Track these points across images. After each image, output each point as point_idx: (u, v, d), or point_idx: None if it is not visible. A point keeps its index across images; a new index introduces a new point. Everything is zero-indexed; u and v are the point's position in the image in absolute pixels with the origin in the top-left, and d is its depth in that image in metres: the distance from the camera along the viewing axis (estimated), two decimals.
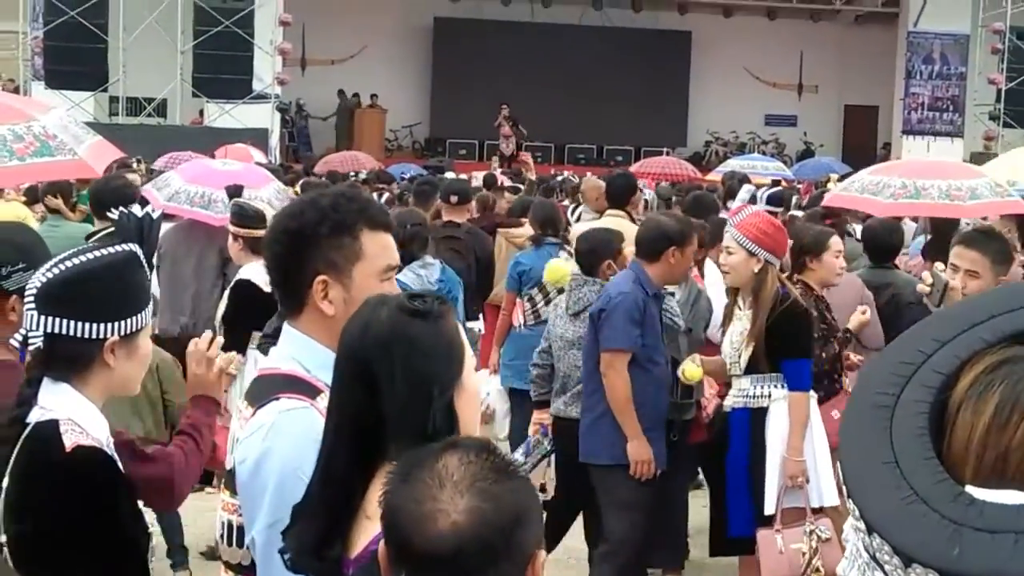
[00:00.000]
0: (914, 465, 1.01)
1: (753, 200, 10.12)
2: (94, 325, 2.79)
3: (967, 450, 1.05)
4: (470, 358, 2.28)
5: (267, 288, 6.96)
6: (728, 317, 5.97)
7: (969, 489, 1.00)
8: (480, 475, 1.68)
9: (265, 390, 2.61)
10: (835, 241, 6.45)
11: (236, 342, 6.72)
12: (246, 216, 6.98)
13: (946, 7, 30.13)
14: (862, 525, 1.02)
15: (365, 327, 2.23)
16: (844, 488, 1.06)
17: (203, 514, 6.49)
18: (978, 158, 27.80)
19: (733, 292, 5.94)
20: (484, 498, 1.66)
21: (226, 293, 7.12)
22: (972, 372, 1.07)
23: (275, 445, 2.46)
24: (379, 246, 2.70)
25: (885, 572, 1.01)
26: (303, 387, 2.56)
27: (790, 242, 6.15)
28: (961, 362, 1.08)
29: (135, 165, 12.89)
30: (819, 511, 5.68)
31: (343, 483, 2.19)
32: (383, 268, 2.71)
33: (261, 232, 6.98)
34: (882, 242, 7.33)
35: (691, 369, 5.93)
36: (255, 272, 6.91)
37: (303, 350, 2.63)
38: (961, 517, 0.98)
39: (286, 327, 2.72)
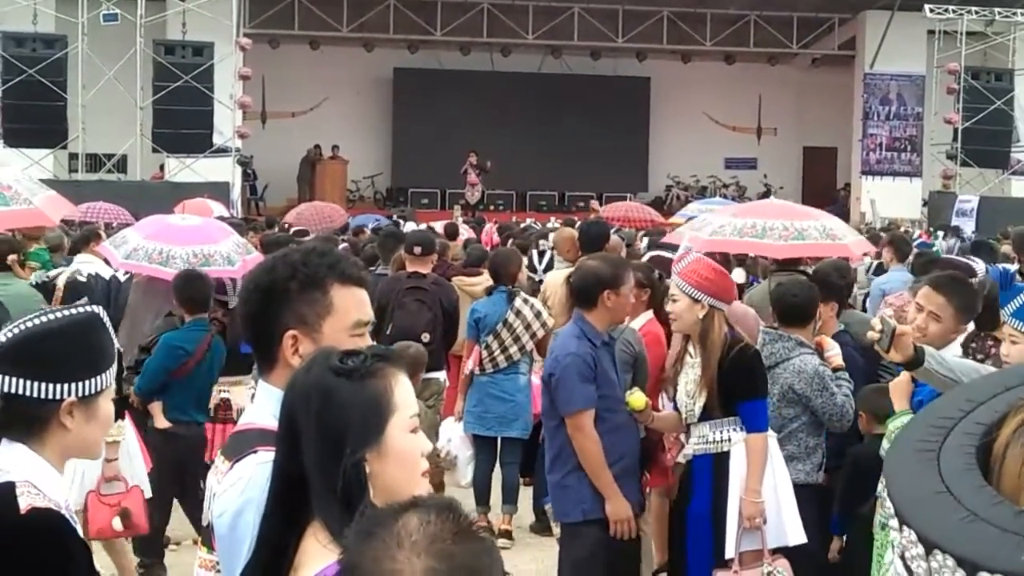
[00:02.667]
0: (968, 492, 1.12)
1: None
2: (49, 385, 2.75)
3: (1020, 479, 1.16)
4: (403, 418, 2.25)
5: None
6: (679, 360, 5.96)
7: None
8: (438, 536, 1.66)
9: (242, 444, 2.59)
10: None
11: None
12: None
13: (901, 49, 30.51)
14: (920, 550, 1.11)
15: (293, 382, 2.24)
16: (895, 518, 1.16)
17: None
18: (937, 197, 28.22)
19: (684, 338, 5.95)
20: (440, 559, 1.64)
21: None
22: (1015, 419, 1.19)
23: (253, 497, 2.41)
24: (350, 301, 2.69)
25: None
26: None
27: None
28: (1000, 415, 1.20)
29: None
30: (776, 553, 5.68)
31: (272, 541, 2.19)
32: (353, 323, 2.69)
33: None
34: (834, 283, 7.37)
35: (634, 397, 5.87)
36: None
37: (278, 405, 2.62)
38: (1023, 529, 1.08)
39: (261, 383, 2.72)
